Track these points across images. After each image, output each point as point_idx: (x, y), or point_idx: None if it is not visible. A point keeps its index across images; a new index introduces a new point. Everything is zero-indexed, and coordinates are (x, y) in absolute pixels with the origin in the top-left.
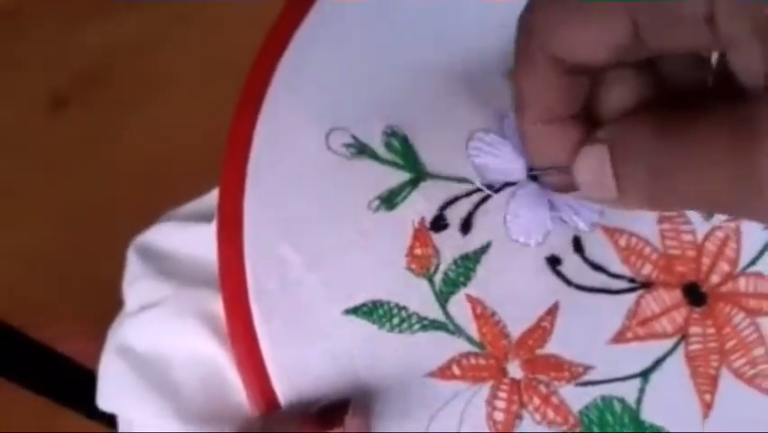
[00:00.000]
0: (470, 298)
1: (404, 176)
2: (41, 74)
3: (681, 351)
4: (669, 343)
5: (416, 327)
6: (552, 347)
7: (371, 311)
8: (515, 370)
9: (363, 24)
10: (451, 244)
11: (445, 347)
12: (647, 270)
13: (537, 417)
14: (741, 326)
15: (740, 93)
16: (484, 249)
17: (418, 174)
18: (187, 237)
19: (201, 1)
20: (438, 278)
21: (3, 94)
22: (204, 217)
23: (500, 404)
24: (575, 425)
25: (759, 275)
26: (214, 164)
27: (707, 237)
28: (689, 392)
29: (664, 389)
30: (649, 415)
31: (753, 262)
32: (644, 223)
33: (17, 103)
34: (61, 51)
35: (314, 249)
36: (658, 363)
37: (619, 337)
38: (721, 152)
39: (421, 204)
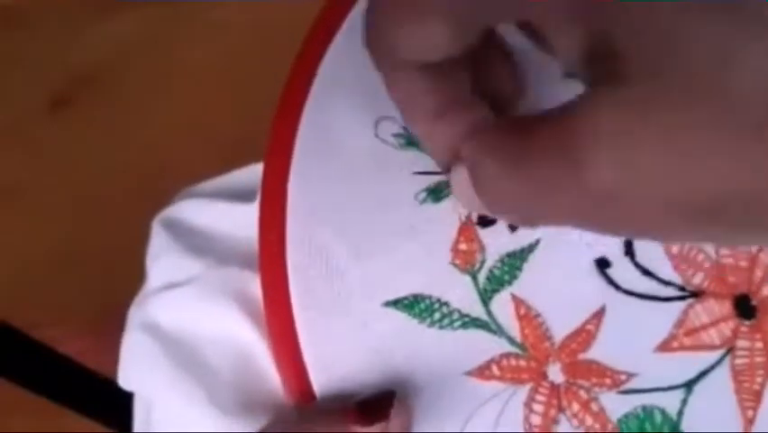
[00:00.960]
0: (514, 297)
1: None
2: (41, 74)
3: (726, 364)
4: (715, 355)
5: (457, 323)
6: (595, 352)
7: (413, 305)
8: (555, 374)
9: None
10: (497, 241)
11: (486, 346)
12: (699, 278)
13: (575, 422)
14: None
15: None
16: (532, 247)
17: None
18: (219, 214)
19: (201, 1)
20: (482, 275)
21: (3, 94)
22: (231, 195)
23: (538, 408)
24: None
25: None
26: (214, 163)
27: (762, 248)
28: (732, 407)
29: (707, 402)
30: (689, 427)
31: None
32: None
33: (17, 103)
34: (61, 51)
35: (357, 239)
36: (703, 374)
37: (665, 346)
38: (555, 172)
39: None
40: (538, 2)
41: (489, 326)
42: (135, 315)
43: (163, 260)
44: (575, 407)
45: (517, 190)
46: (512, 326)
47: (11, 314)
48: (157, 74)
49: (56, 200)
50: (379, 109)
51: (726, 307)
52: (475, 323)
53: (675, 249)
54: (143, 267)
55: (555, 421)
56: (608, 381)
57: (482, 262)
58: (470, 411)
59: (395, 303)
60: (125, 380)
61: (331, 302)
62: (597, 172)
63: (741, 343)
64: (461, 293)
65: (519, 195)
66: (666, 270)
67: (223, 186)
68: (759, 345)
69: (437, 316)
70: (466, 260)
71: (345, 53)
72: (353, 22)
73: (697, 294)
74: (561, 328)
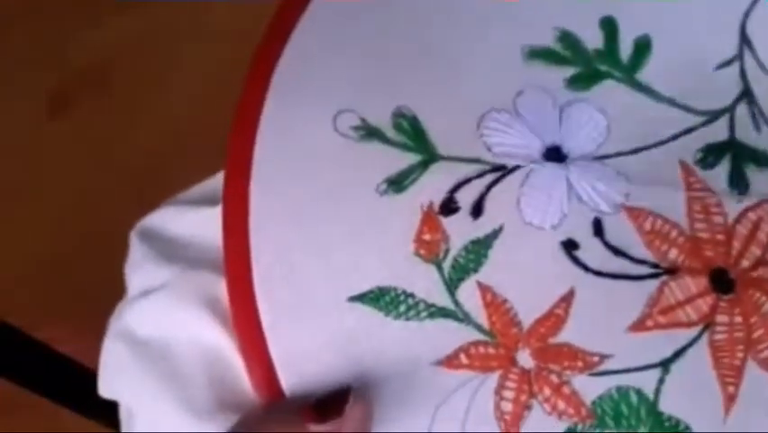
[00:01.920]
0: (480, 285)
1: (414, 158)
2: (41, 74)
3: (704, 340)
4: (692, 332)
5: (424, 314)
6: (566, 336)
7: (378, 298)
8: (525, 359)
9: (371, 4)
10: (461, 229)
11: (453, 336)
12: (673, 254)
13: (548, 407)
14: None
15: None
16: (496, 233)
17: (429, 156)
18: (190, 221)
19: (201, 1)
20: (447, 264)
21: (2, 94)
22: (208, 201)
23: (509, 394)
24: (588, 416)
25: None
26: (214, 163)
27: (738, 219)
28: (711, 384)
29: (685, 380)
30: (668, 406)
31: None
32: (673, 204)
33: (17, 103)
34: (61, 51)
35: (319, 234)
36: (679, 352)
37: (639, 326)
38: None
39: (431, 187)
40: None
41: (456, 314)
42: (113, 324)
43: (138, 269)
44: (546, 391)
45: None
46: (479, 313)
47: (11, 314)
48: (156, 74)
49: (55, 200)
50: (338, 102)
51: (702, 282)
52: (442, 312)
53: (648, 225)
54: None
55: (527, 407)
56: (579, 363)
57: (446, 252)
58: (440, 401)
59: (360, 298)
60: (104, 388)
61: (296, 300)
62: None
63: (720, 318)
64: (426, 284)
65: None
66: (639, 248)
67: (203, 191)
68: (738, 319)
69: (403, 308)
70: (430, 250)
71: (301, 51)
72: (308, 21)
73: (671, 271)
74: (529, 314)
